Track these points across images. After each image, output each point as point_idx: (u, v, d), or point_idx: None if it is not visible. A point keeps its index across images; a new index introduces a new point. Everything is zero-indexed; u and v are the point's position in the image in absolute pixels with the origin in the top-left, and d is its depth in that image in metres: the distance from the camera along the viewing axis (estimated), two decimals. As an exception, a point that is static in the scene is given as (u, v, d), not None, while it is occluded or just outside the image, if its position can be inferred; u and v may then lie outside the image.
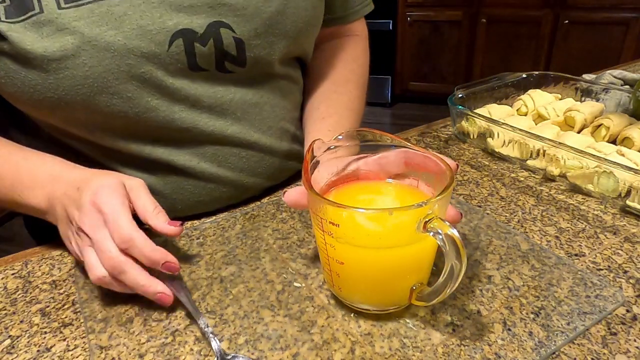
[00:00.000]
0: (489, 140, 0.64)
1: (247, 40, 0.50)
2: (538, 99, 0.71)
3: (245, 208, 0.57)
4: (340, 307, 0.42)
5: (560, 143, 0.55)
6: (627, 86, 0.83)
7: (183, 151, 0.53)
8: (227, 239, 0.52)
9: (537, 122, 0.69)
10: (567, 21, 2.85)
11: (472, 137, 0.68)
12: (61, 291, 0.46)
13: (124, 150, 0.51)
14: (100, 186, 0.43)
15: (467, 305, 0.41)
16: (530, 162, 0.61)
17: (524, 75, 0.77)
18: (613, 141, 0.63)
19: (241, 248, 0.50)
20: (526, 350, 0.37)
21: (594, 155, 0.52)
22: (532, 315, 0.40)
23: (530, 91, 0.74)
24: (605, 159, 0.51)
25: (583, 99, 0.84)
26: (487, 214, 0.55)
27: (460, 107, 0.67)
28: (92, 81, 0.45)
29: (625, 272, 0.45)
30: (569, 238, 0.50)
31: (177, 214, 0.55)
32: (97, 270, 0.41)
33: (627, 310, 0.41)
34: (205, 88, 0.51)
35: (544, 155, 0.57)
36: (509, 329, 0.39)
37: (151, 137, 0.51)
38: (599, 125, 0.64)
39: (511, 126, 0.60)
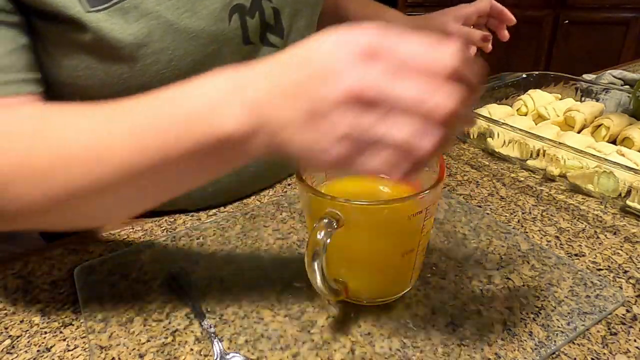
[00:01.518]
0: (489, 140, 0.64)
1: (281, 9, 0.53)
2: (538, 99, 0.71)
3: (245, 208, 0.57)
4: (340, 307, 0.42)
5: (560, 143, 0.55)
6: (627, 86, 0.83)
7: None
8: (227, 239, 0.52)
9: (537, 122, 0.70)
10: (567, 21, 2.85)
11: (472, 137, 0.68)
12: (61, 291, 0.46)
13: None
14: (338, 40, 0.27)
15: (467, 305, 0.41)
16: (530, 162, 0.61)
17: (524, 75, 0.78)
18: (613, 141, 0.63)
19: (241, 248, 0.50)
20: (526, 350, 0.37)
21: (594, 155, 0.52)
22: (532, 315, 0.40)
23: (530, 91, 0.74)
24: (605, 159, 0.51)
25: (583, 99, 0.84)
26: (487, 214, 0.55)
27: None
28: (175, 64, 0.45)
29: (626, 272, 0.45)
30: (569, 238, 0.50)
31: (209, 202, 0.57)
32: (429, 139, 0.26)
33: (627, 310, 0.41)
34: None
35: (544, 155, 0.57)
36: (509, 329, 0.39)
37: None
38: (599, 126, 0.64)
39: (511, 126, 0.60)
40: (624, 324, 0.39)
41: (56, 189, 0.33)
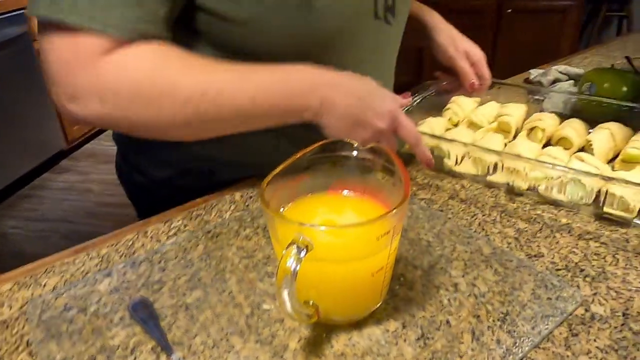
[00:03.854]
0: (445, 161, 0.62)
1: None
2: (465, 106, 0.72)
3: (207, 226, 0.56)
4: (311, 328, 0.41)
5: (519, 155, 0.55)
6: (571, 80, 0.87)
7: None
8: (189, 261, 0.50)
9: (471, 129, 0.69)
10: (510, 10, 2.94)
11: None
12: (14, 332, 0.43)
13: None
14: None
15: (436, 316, 0.42)
16: (490, 178, 0.59)
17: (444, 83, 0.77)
18: (548, 142, 0.66)
19: (205, 270, 0.49)
20: (494, 358, 0.38)
21: (559, 165, 0.53)
22: (498, 322, 0.41)
23: (454, 98, 0.74)
24: (572, 169, 0.52)
25: (530, 96, 0.87)
26: (449, 218, 0.55)
27: None
28: (343, 23, 0.57)
29: (582, 270, 0.47)
30: (527, 239, 0.52)
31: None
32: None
33: (586, 310, 0.42)
34: (377, 37, 0.63)
35: (502, 169, 0.57)
36: (478, 338, 0.40)
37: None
38: (533, 128, 0.65)
39: (464, 143, 0.59)
40: (583, 324, 0.41)
41: (190, 112, 0.48)
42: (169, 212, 0.59)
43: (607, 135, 0.61)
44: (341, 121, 0.51)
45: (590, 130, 0.65)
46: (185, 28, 0.53)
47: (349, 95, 0.52)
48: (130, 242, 0.54)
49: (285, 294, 0.34)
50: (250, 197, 0.61)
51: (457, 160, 0.60)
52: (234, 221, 0.56)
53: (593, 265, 0.47)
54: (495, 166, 0.58)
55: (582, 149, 0.63)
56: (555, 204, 0.57)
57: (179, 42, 0.50)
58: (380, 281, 0.39)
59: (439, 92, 0.75)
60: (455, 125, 0.70)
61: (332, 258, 0.36)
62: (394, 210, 0.35)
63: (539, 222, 0.54)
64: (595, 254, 0.49)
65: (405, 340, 0.40)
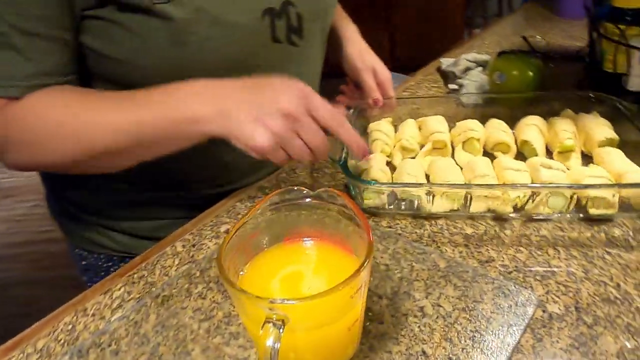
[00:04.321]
0: (423, 204, 0.56)
1: (303, 14, 0.62)
2: (388, 132, 0.70)
3: (153, 289, 0.52)
4: (292, 390, 0.40)
5: (494, 184, 0.54)
6: (480, 67, 0.91)
7: None
8: (144, 336, 0.46)
9: (404, 155, 0.67)
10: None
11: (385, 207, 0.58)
12: None
13: None
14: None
15: (411, 347, 0.42)
16: (473, 211, 0.56)
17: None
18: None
19: (164, 344, 0.45)
20: (475, 382, 0.39)
21: (534, 185, 0.54)
22: (469, 342, 0.42)
23: (372, 127, 0.72)
24: (547, 184, 0.53)
25: (448, 85, 0.90)
26: (399, 234, 0.56)
27: (372, 181, 0.56)
28: (220, 53, 0.56)
29: (531, 269, 0.50)
30: (476, 244, 0.54)
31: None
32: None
33: (543, 311, 0.45)
34: (279, 59, 0.63)
35: (471, 199, 0.54)
36: (455, 363, 0.41)
37: None
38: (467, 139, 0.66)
39: (441, 184, 0.56)
40: (544, 326, 0.43)
41: (79, 150, 0.53)
42: (107, 280, 0.54)
43: (537, 131, 0.64)
44: (242, 115, 0.50)
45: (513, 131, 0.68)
46: (84, 65, 0.57)
47: (242, 88, 0.52)
48: (70, 326, 0.48)
49: (269, 375, 0.32)
50: (194, 246, 0.58)
51: (429, 199, 0.55)
52: (182, 278, 0.53)
53: (539, 262, 0.50)
54: (470, 198, 0.55)
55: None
56: (546, 220, 0.56)
57: (82, 79, 0.57)
58: (357, 331, 0.39)
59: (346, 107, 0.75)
60: (388, 156, 0.67)
61: (309, 326, 0.35)
62: (365, 264, 0.34)
63: (482, 225, 0.56)
64: (538, 249, 0.52)
65: (388, 382, 0.40)
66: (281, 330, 0.32)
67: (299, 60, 0.66)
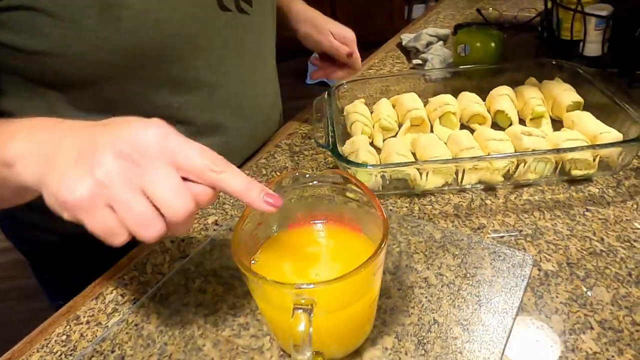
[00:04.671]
0: (419, 183, 0.56)
1: None
2: (363, 110, 0.70)
3: (149, 289, 0.50)
4: (313, 372, 0.40)
5: (486, 155, 0.55)
6: (441, 41, 0.92)
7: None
8: (148, 338, 0.44)
9: (384, 134, 0.68)
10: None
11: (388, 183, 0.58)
12: None
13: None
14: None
15: (422, 317, 0.43)
16: (465, 184, 0.57)
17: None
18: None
19: (172, 343, 0.44)
20: (489, 343, 0.40)
21: (522, 152, 0.55)
22: (477, 306, 0.44)
23: (347, 109, 0.71)
24: (535, 151, 0.55)
25: (412, 61, 0.91)
26: (390, 210, 0.57)
27: (365, 165, 0.54)
28: (161, 25, 0.49)
29: (520, 231, 0.52)
30: (466, 213, 0.55)
31: None
32: (154, 229, 0.33)
33: (539, 269, 0.47)
34: (229, 31, 0.58)
35: (463, 173, 0.55)
36: (466, 328, 0.42)
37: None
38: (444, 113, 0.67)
39: (434, 160, 0.55)
40: (542, 284, 0.46)
41: None
42: (96, 285, 0.51)
43: (508, 100, 0.66)
44: (64, 159, 0.32)
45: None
46: None
47: (84, 127, 0.35)
48: (64, 336, 0.46)
49: (305, 358, 0.32)
50: (183, 241, 0.56)
51: (421, 177, 0.56)
52: (177, 274, 0.51)
53: (527, 224, 0.53)
54: (463, 171, 0.56)
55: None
56: (528, 184, 0.58)
57: None
58: (375, 307, 0.39)
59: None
60: (369, 135, 0.67)
61: (334, 307, 0.35)
62: (385, 241, 0.34)
63: (469, 195, 0.58)
64: (524, 212, 0.54)
65: (406, 354, 0.41)
66: (311, 315, 0.32)
67: (252, 30, 0.62)
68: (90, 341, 0.45)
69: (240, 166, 0.68)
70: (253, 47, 0.64)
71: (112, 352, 0.44)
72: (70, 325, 0.47)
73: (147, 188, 0.31)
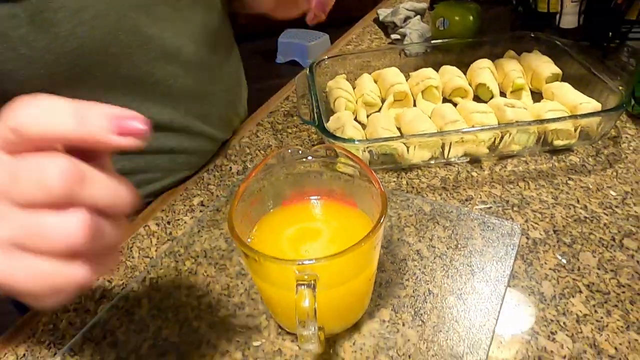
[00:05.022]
0: (406, 156, 0.56)
1: None
2: (346, 85, 0.69)
3: (136, 274, 0.48)
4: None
5: (469, 129, 0.54)
6: (418, 15, 0.92)
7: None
8: (141, 322, 0.43)
9: (367, 110, 0.67)
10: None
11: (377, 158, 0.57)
12: None
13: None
14: None
15: (417, 289, 0.44)
16: (451, 157, 0.57)
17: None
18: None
19: (166, 327, 0.43)
20: (484, 311, 0.41)
21: (507, 124, 0.56)
22: (469, 276, 0.45)
23: (330, 85, 0.70)
24: (518, 122, 0.55)
25: (389, 35, 0.90)
26: (379, 185, 0.57)
27: (352, 140, 0.53)
28: (100, 22, 0.43)
29: (507, 201, 0.53)
30: (453, 185, 0.56)
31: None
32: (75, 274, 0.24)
33: (527, 238, 0.48)
34: (182, 14, 0.52)
35: (450, 146, 0.55)
36: (460, 297, 0.43)
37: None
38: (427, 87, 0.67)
39: (421, 134, 0.55)
40: (531, 252, 0.47)
41: None
42: (81, 271, 0.49)
43: (489, 73, 0.67)
44: None
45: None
46: None
47: None
48: (51, 325, 0.44)
49: (310, 333, 0.32)
50: (169, 223, 0.54)
51: (408, 151, 0.56)
52: (166, 257, 0.50)
53: (513, 195, 0.54)
54: (449, 145, 0.56)
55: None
56: (511, 156, 0.59)
57: None
58: (373, 281, 0.39)
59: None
60: (353, 112, 0.66)
61: (336, 282, 0.34)
62: (385, 214, 0.34)
63: (454, 168, 0.58)
64: (509, 183, 0.55)
65: (403, 325, 0.41)
66: (315, 290, 0.31)
67: (206, 7, 0.56)
68: (79, 329, 0.44)
69: (214, 156, 0.65)
70: (209, 27, 0.57)
71: (104, 338, 0.42)
72: (56, 314, 0.45)
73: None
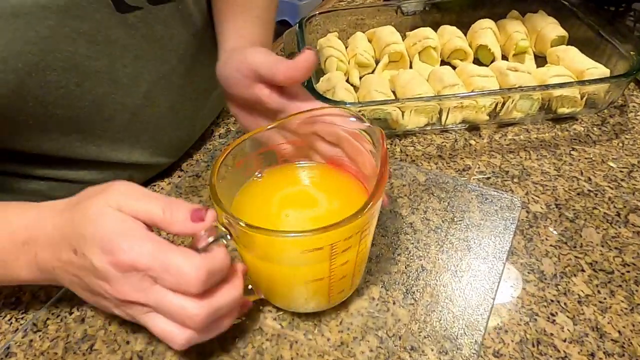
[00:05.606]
0: (401, 121, 0.52)
1: None
2: (338, 44, 0.65)
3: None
4: (297, 328, 0.37)
5: (470, 93, 0.52)
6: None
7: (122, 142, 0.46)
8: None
9: (360, 71, 0.63)
10: None
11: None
12: None
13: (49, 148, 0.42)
14: (102, 236, 0.30)
15: (410, 265, 0.41)
16: (448, 123, 0.54)
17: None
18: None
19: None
20: (480, 289, 0.39)
21: (510, 89, 0.52)
22: (465, 251, 0.42)
23: (322, 42, 0.65)
24: (521, 87, 0.51)
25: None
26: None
27: (343, 103, 0.49)
28: (13, 63, 0.35)
29: (507, 172, 0.50)
30: (449, 154, 0.52)
31: None
32: (179, 336, 0.31)
33: (527, 212, 0.45)
34: (144, 32, 0.43)
35: (448, 112, 0.51)
36: (455, 274, 0.40)
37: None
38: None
39: (416, 98, 0.51)
40: (531, 226, 0.44)
41: None
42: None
43: (492, 34, 0.62)
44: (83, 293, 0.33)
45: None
46: None
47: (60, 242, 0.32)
48: (13, 298, 0.41)
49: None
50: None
51: (403, 116, 0.52)
52: (140, 226, 0.46)
53: (513, 165, 0.50)
54: (447, 111, 0.52)
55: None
56: (512, 123, 0.55)
57: None
58: (367, 258, 0.36)
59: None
60: (345, 72, 0.61)
61: (324, 257, 0.31)
62: (383, 180, 0.30)
63: (451, 135, 0.55)
64: (509, 152, 0.52)
65: (394, 303, 0.38)
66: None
67: (180, 21, 0.46)
68: (44, 302, 0.40)
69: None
70: (186, 42, 0.48)
71: (71, 313, 0.39)
72: (20, 286, 0.42)
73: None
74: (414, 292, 0.39)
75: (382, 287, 0.39)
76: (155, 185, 0.51)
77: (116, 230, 0.29)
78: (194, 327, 0.30)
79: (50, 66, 0.37)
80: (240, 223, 0.28)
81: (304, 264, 0.31)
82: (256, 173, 0.37)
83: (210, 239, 0.30)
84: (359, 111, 0.51)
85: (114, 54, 0.41)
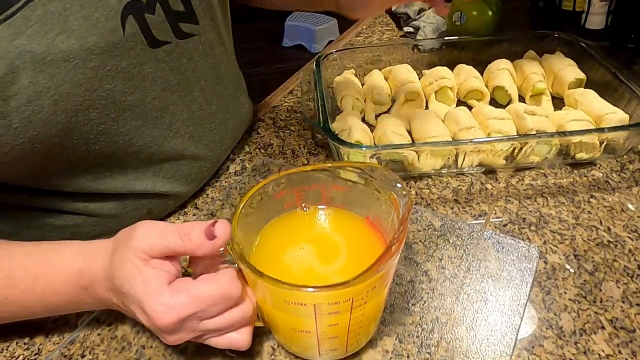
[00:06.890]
0: (417, 164, 0.52)
1: None
2: (356, 87, 0.64)
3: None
4: (309, 379, 0.37)
5: (485, 139, 0.51)
6: (432, 7, 0.87)
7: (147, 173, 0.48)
8: (123, 340, 0.40)
9: (377, 110, 0.63)
10: None
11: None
12: None
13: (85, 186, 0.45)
14: (137, 299, 0.32)
15: (424, 316, 0.40)
16: (464, 166, 0.53)
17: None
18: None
19: (150, 346, 0.39)
20: (496, 344, 0.38)
21: (528, 135, 0.52)
22: (482, 303, 0.41)
23: (338, 78, 0.66)
24: (538, 133, 0.51)
25: (401, 27, 0.86)
26: (386, 194, 0.53)
27: (360, 145, 0.49)
28: (63, 105, 0.37)
29: (524, 219, 0.49)
30: (465, 198, 0.52)
31: None
32: (243, 338, 0.35)
33: (545, 262, 0.45)
34: (171, 65, 0.45)
35: (464, 155, 0.51)
36: (471, 327, 0.39)
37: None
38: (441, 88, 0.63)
39: (434, 142, 0.51)
40: (549, 278, 0.43)
41: None
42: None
43: (508, 75, 0.62)
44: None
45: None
46: None
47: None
48: (27, 338, 0.41)
49: None
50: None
51: (419, 159, 0.52)
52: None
53: (530, 212, 0.50)
54: (463, 154, 0.52)
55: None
56: (529, 167, 0.55)
57: None
58: (383, 307, 0.36)
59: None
60: (361, 112, 0.62)
61: (343, 308, 0.31)
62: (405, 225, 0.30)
63: (468, 177, 0.54)
64: (526, 198, 0.51)
65: (408, 357, 0.37)
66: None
67: (202, 53, 0.48)
68: (57, 344, 0.40)
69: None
70: (206, 74, 0.50)
71: (83, 356, 0.39)
72: (33, 327, 0.42)
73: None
74: (428, 346, 0.38)
75: (396, 339, 0.39)
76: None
77: (146, 293, 0.32)
78: (249, 322, 0.35)
79: (94, 104, 0.39)
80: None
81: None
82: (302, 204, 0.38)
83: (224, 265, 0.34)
84: (375, 154, 0.51)
85: (145, 88, 0.43)
